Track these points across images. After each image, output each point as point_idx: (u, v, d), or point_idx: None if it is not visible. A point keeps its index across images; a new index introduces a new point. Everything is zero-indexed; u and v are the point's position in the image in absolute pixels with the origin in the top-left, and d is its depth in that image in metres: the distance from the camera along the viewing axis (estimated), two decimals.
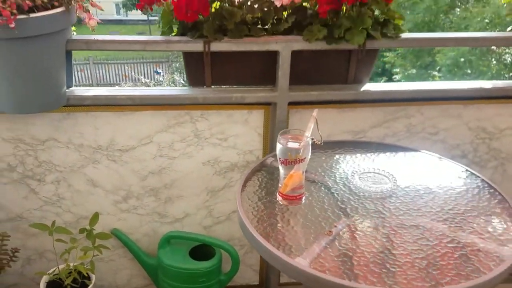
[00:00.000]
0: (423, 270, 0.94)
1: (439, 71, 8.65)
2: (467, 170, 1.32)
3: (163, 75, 12.87)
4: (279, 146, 1.11)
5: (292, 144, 1.10)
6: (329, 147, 1.46)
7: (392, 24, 1.47)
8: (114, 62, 14.27)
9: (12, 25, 1.11)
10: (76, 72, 13.25)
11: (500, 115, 1.63)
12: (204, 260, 1.61)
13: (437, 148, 1.67)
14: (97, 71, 14.03)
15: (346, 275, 0.93)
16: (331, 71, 1.56)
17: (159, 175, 1.60)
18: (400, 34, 1.44)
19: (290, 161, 1.10)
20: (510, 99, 1.59)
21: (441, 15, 9.29)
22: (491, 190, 1.22)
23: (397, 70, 9.94)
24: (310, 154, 1.12)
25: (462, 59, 7.79)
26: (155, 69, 13.91)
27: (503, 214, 1.13)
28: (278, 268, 1.00)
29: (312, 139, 1.13)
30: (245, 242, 1.79)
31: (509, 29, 1.69)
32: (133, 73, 13.71)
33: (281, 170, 1.14)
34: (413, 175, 1.30)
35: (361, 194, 1.21)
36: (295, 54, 1.44)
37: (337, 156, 1.41)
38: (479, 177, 1.28)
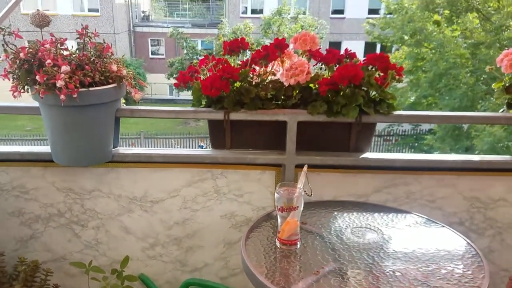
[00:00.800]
0: None
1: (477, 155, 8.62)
2: (448, 229, 1.46)
3: (206, 148, 13.60)
4: (276, 196, 1.33)
5: (286, 194, 1.32)
6: (330, 205, 1.66)
7: (386, 103, 1.72)
8: (163, 137, 15.23)
9: (75, 96, 1.45)
10: (127, 146, 14.19)
11: (492, 186, 1.77)
12: None
13: (436, 215, 1.81)
14: (147, 145, 14.91)
15: None
16: (334, 140, 1.80)
17: (183, 225, 1.83)
18: (392, 112, 1.68)
19: (285, 208, 1.31)
20: (499, 172, 1.75)
21: (480, 101, 9.44)
22: (468, 247, 1.36)
23: (436, 153, 9.99)
24: (302, 203, 1.33)
25: (500, 145, 7.78)
26: (199, 143, 14.70)
27: (473, 266, 1.26)
28: None
29: (304, 191, 1.35)
30: None
31: (500, 111, 1.87)
32: (179, 146, 14.50)
33: (279, 218, 1.35)
34: (400, 232, 1.47)
35: (351, 244, 1.38)
36: (303, 124, 1.71)
37: (335, 213, 1.60)
38: (459, 236, 1.42)
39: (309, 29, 18.10)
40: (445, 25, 9.76)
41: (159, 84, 20.39)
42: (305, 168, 1.40)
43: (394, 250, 1.34)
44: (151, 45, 23.18)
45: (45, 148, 1.71)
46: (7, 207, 1.80)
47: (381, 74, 1.75)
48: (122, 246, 1.85)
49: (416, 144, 13.83)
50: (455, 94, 9.09)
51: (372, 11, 20.89)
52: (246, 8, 22.48)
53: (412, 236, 1.44)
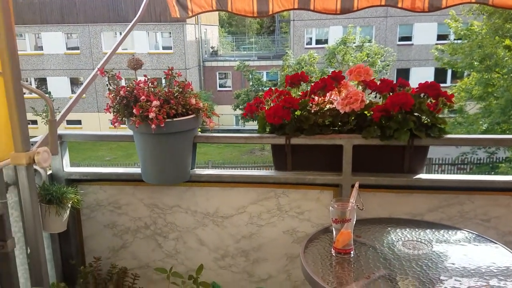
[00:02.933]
0: None
1: None
2: (497, 244, 1.54)
3: None
4: (331, 209, 1.51)
5: (340, 208, 1.49)
6: (384, 222, 1.79)
7: (437, 127, 1.85)
8: (229, 166, 15.80)
9: (162, 125, 1.75)
10: None
11: None
12: None
13: (490, 233, 1.87)
14: None
15: None
16: (389, 162, 1.94)
17: (249, 239, 2.05)
18: (443, 135, 1.81)
19: (339, 220, 1.49)
20: None
21: None
22: None
23: None
24: (355, 216, 1.50)
25: None
26: None
27: None
28: None
29: (356, 205, 1.51)
30: None
31: None
32: None
33: (334, 229, 1.53)
34: (450, 245, 1.57)
35: (401, 254, 1.51)
36: (359, 148, 1.88)
37: (389, 229, 1.74)
38: (508, 250, 1.50)
39: (375, 57, 18.07)
40: None
41: (226, 115, 21.24)
42: (357, 184, 1.57)
43: (441, 261, 1.45)
44: (219, 78, 24.33)
45: (137, 170, 2.03)
46: (103, 220, 2.13)
47: (433, 101, 1.90)
48: (197, 256, 2.10)
49: (493, 172, 13.12)
50: None
51: (441, 37, 20.46)
52: (311, 39, 22.94)
53: (461, 249, 1.54)
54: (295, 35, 22.68)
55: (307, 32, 22.81)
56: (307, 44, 22.68)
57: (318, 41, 22.62)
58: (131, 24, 2.32)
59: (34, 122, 19.35)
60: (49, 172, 2.02)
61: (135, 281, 2.05)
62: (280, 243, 2.04)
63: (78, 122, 21.57)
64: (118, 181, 2.07)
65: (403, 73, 21.60)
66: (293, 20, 22.50)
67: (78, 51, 22.61)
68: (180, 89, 1.85)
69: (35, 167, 1.71)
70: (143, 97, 1.75)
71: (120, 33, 22.10)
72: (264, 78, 21.30)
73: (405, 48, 22.16)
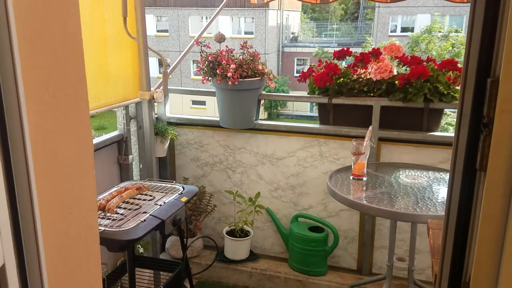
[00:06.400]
0: (413, 208, 1.77)
1: None
2: None
3: None
4: (351, 145, 2.08)
5: (357, 144, 2.06)
6: (401, 166, 2.32)
7: (451, 95, 2.32)
8: None
9: (236, 83, 2.41)
10: None
11: None
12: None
13: None
14: None
15: (367, 202, 1.83)
16: (411, 122, 2.44)
17: (296, 177, 2.67)
18: (454, 101, 2.28)
19: (356, 153, 2.06)
20: None
21: None
22: None
23: None
24: (369, 151, 2.06)
25: None
26: None
27: None
28: (340, 201, 1.94)
29: (369, 142, 2.07)
30: (348, 234, 2.66)
31: None
32: None
33: (352, 161, 2.10)
34: (443, 182, 2.07)
35: (402, 182, 2.06)
36: (387, 109, 2.40)
37: (400, 168, 2.27)
38: None
39: (461, 47, 17.50)
40: None
41: (304, 103, 21.75)
42: (370, 128, 2.13)
43: (431, 188, 1.97)
44: (297, 64, 24.80)
45: (216, 118, 2.73)
46: (190, 155, 2.87)
47: (452, 75, 2.37)
48: (256, 187, 2.77)
49: None
50: None
51: None
52: (396, 26, 22.52)
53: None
54: (379, 22, 22.40)
55: (393, 19, 22.40)
56: (391, 31, 22.29)
57: (404, 29, 22.10)
58: (218, 9, 3.02)
59: None
60: (156, 116, 2.79)
61: (211, 199, 2.77)
62: (320, 181, 2.63)
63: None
64: (202, 125, 2.79)
65: None
66: (378, 7, 22.18)
67: (167, 34, 24.27)
68: (251, 58, 2.50)
69: None
70: (224, 61, 2.43)
71: (207, 18, 23.36)
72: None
73: None
